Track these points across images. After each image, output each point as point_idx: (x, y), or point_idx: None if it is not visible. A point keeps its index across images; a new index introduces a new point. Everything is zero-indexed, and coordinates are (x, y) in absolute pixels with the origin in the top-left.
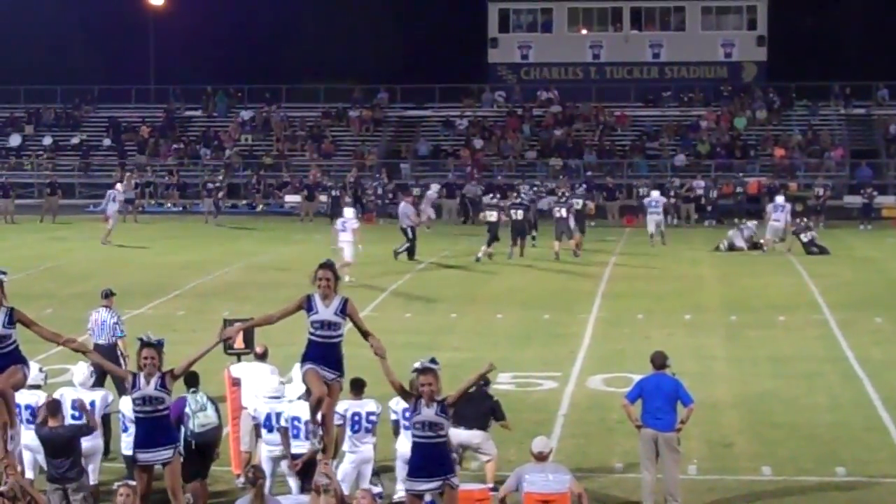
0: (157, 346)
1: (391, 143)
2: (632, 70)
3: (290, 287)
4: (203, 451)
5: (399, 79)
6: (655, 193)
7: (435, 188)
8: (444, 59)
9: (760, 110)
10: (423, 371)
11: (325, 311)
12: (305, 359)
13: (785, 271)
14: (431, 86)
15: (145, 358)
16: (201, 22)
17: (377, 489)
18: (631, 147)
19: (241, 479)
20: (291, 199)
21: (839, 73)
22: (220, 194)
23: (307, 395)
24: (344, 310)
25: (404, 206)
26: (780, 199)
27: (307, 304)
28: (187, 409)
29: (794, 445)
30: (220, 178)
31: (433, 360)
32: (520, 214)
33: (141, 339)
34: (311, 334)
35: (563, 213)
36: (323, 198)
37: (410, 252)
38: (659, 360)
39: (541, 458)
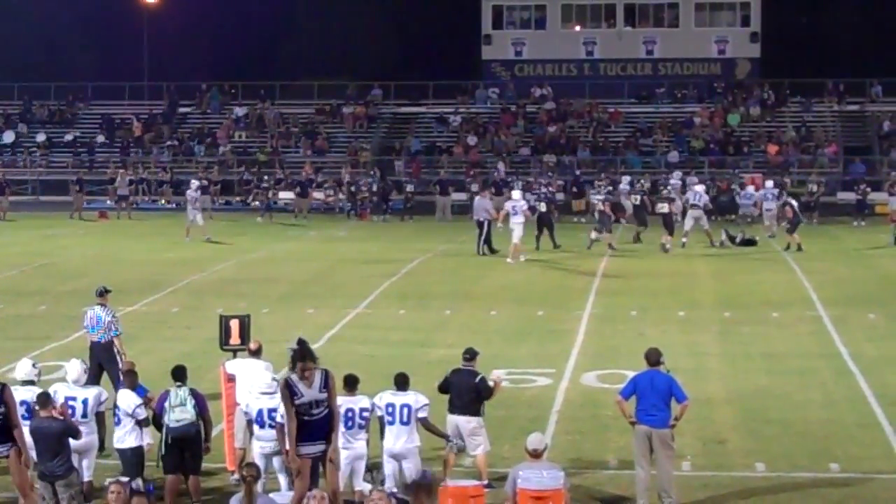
0: (147, 494)
1: (385, 140)
2: (625, 66)
3: (284, 283)
4: (181, 446)
5: (393, 75)
6: (700, 188)
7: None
8: (437, 56)
9: (754, 107)
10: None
11: (310, 392)
12: (300, 440)
13: (779, 268)
14: (425, 82)
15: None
16: (195, 18)
17: (369, 486)
18: (624, 143)
19: (236, 476)
20: (285, 195)
21: (833, 70)
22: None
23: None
24: (327, 384)
25: (480, 200)
26: (698, 187)
27: (290, 391)
28: (166, 404)
29: (787, 442)
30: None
31: (425, 474)
32: (543, 207)
33: (131, 487)
34: (301, 415)
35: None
36: (317, 194)
37: (488, 244)
38: (653, 357)
39: (535, 455)
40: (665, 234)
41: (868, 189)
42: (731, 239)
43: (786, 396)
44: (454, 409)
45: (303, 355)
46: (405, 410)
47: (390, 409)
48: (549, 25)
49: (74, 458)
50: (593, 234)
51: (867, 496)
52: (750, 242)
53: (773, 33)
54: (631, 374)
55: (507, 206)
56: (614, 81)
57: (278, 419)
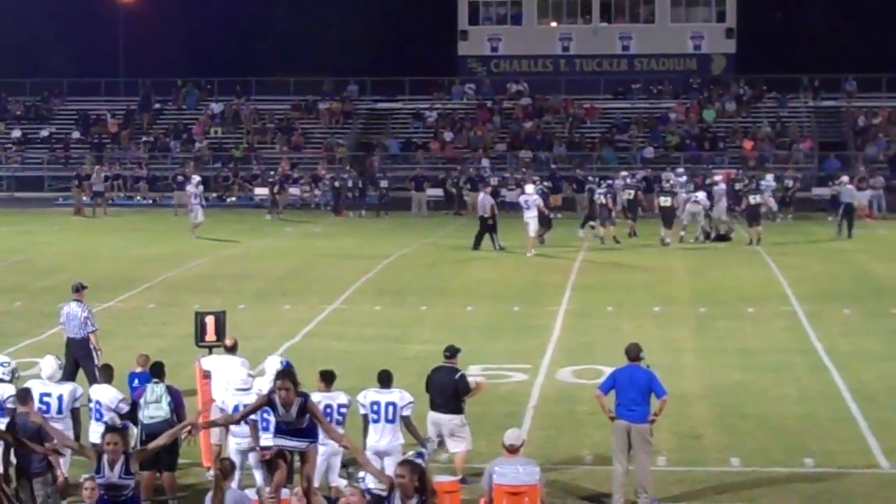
0: (122, 430)
1: (361, 136)
2: (601, 62)
3: (260, 279)
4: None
5: (369, 71)
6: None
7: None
8: (414, 52)
9: (729, 102)
10: (400, 463)
11: (287, 415)
12: (276, 432)
13: (754, 263)
14: (401, 78)
15: (109, 444)
16: (171, 14)
17: (345, 482)
18: (600, 139)
19: (211, 472)
20: (261, 191)
21: (808, 66)
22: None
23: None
24: (304, 412)
25: (484, 197)
26: (529, 188)
27: (270, 405)
28: (142, 400)
29: (762, 437)
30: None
31: (420, 454)
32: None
33: (106, 424)
34: (279, 423)
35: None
36: (293, 190)
37: (492, 238)
38: (633, 352)
39: (512, 450)
40: (664, 228)
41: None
42: (706, 235)
43: (761, 392)
44: (435, 406)
45: (283, 374)
46: (390, 408)
47: (375, 407)
48: (525, 21)
49: None
50: (600, 231)
51: (842, 491)
52: (724, 238)
53: (749, 29)
54: (606, 369)
55: (521, 199)
56: (590, 77)
57: (252, 416)
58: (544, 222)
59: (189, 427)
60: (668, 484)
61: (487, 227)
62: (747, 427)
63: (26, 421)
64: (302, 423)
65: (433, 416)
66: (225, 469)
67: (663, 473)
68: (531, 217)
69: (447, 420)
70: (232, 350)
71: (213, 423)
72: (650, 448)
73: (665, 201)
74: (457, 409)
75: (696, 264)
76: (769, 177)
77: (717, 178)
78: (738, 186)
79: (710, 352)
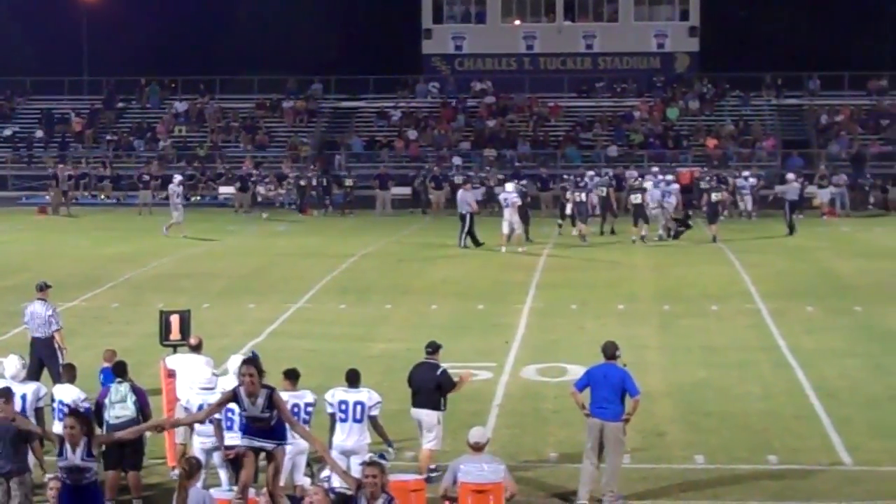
0: (82, 414)
1: (325, 135)
2: (565, 61)
3: (224, 278)
4: (121, 442)
5: (333, 70)
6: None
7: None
8: (378, 51)
9: (693, 101)
10: (368, 464)
11: (253, 409)
12: (245, 431)
13: (717, 260)
14: (366, 77)
15: (67, 426)
16: (134, 13)
17: (309, 480)
18: (564, 137)
19: (177, 472)
20: (225, 190)
21: (771, 64)
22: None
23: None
24: (270, 405)
25: (464, 194)
26: (509, 186)
27: (235, 399)
28: (107, 400)
29: (726, 434)
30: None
31: (383, 455)
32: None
33: (68, 406)
34: (245, 420)
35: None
36: (260, 188)
37: (472, 237)
38: (609, 350)
39: (477, 448)
40: (635, 226)
41: (805, 182)
42: (668, 232)
43: (725, 389)
44: (417, 402)
45: (247, 361)
46: (358, 407)
47: (343, 406)
48: (490, 20)
49: None
50: (580, 228)
51: (805, 488)
52: (683, 223)
53: (712, 27)
54: (571, 367)
55: (501, 197)
56: (554, 76)
57: (216, 414)
58: (525, 219)
59: (155, 426)
60: (632, 481)
61: (465, 222)
62: (711, 424)
63: (7, 422)
64: (270, 419)
65: (414, 411)
66: (190, 468)
67: (627, 471)
68: (510, 215)
69: (425, 415)
70: (196, 349)
71: (178, 423)
72: (622, 447)
73: (636, 199)
74: (436, 405)
75: (660, 262)
76: (746, 173)
77: (670, 177)
78: (701, 185)
79: (674, 349)
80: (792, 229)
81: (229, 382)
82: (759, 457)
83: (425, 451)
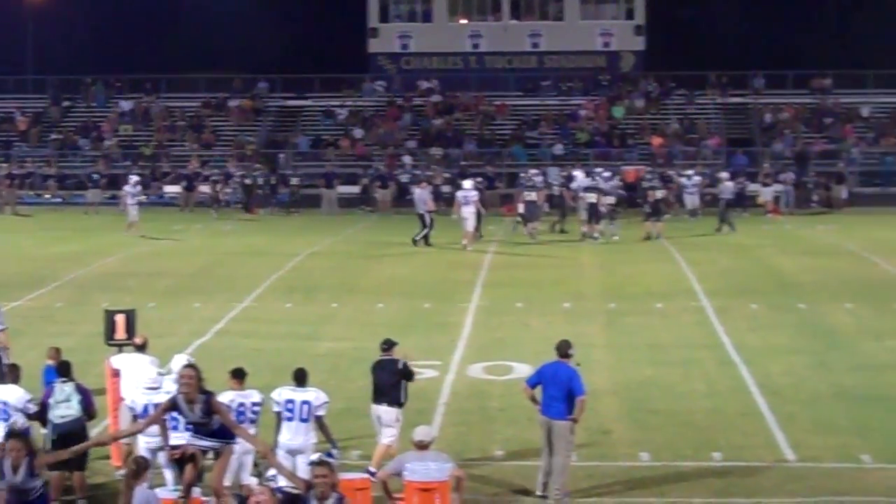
0: (23, 435)
1: (271, 133)
2: (511, 59)
3: (170, 277)
4: (65, 442)
5: (279, 69)
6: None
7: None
8: (324, 49)
9: (638, 99)
10: (318, 464)
11: (192, 415)
12: (189, 431)
13: (663, 258)
14: (312, 76)
15: (11, 450)
16: (79, 11)
17: (256, 480)
18: (510, 136)
19: (122, 471)
20: (171, 189)
21: (716, 63)
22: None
23: None
24: (209, 410)
25: (420, 193)
26: (468, 183)
27: (175, 408)
28: (51, 400)
29: (671, 431)
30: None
31: (330, 454)
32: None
33: (8, 429)
34: (188, 426)
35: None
36: (204, 188)
37: (426, 238)
38: (562, 349)
39: (421, 446)
40: (587, 223)
41: (746, 181)
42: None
43: (670, 387)
44: (377, 398)
45: (186, 365)
46: (305, 407)
47: (290, 405)
48: (436, 18)
49: None
50: (529, 227)
51: (749, 484)
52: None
53: (657, 26)
54: (516, 365)
55: (459, 195)
56: (500, 74)
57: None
58: (478, 217)
59: (98, 444)
60: (577, 479)
61: (424, 221)
62: (656, 422)
63: None
64: (211, 424)
65: (374, 408)
66: (137, 467)
67: (573, 468)
68: (469, 213)
69: (384, 412)
70: (142, 348)
71: (119, 436)
72: (568, 446)
73: (591, 197)
74: (395, 402)
75: (606, 260)
76: (690, 171)
77: (607, 173)
78: (643, 183)
79: (620, 347)
80: (723, 226)
81: (174, 382)
82: (703, 454)
83: (382, 447)
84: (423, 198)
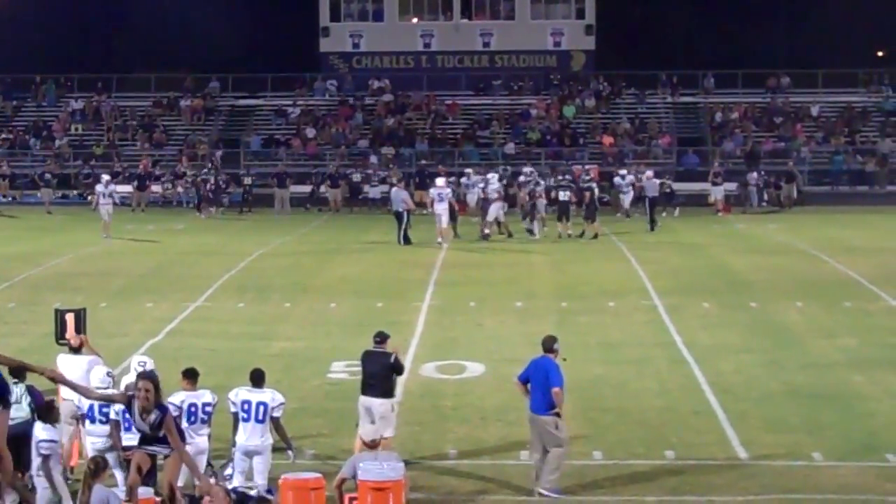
0: None
1: (223, 133)
2: (462, 59)
3: (122, 277)
4: (16, 444)
5: (231, 68)
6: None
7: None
8: (275, 49)
9: (589, 99)
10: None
11: (142, 424)
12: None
13: (614, 257)
14: (263, 75)
15: None
16: (29, 9)
17: (212, 480)
18: (462, 135)
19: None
20: (122, 189)
21: (666, 62)
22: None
23: None
24: (160, 426)
25: (397, 191)
26: (440, 181)
27: (128, 406)
28: None
29: (624, 430)
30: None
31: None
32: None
33: None
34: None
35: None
36: (155, 188)
37: (405, 235)
38: (546, 344)
39: (373, 445)
40: (560, 223)
41: (671, 181)
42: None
43: (622, 385)
44: (367, 390)
45: (144, 375)
46: (261, 408)
47: (246, 406)
48: (387, 18)
49: None
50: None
51: (702, 482)
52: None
53: (608, 26)
54: (469, 364)
55: (433, 192)
56: (451, 73)
57: (112, 415)
58: (453, 216)
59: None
60: (530, 478)
61: (401, 220)
62: (609, 420)
63: None
64: (157, 434)
65: (364, 399)
66: (96, 466)
67: (525, 466)
68: (443, 210)
69: (378, 404)
70: (77, 350)
71: (64, 380)
72: (554, 440)
73: (564, 196)
74: (388, 393)
75: (558, 259)
76: (623, 171)
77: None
78: (552, 181)
79: (572, 346)
80: (653, 225)
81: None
82: (656, 452)
83: (390, 439)
84: (401, 196)
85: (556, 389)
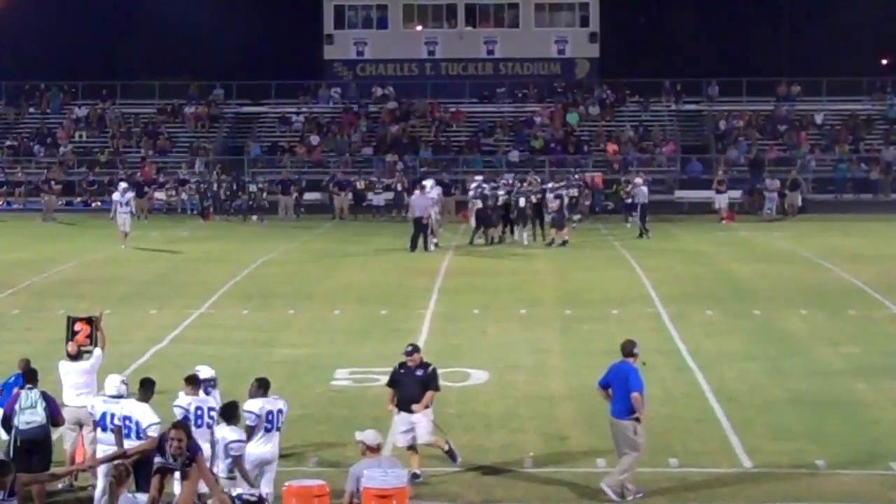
0: (6, 462)
1: (227, 140)
2: (466, 66)
3: (126, 284)
4: (29, 449)
5: (235, 75)
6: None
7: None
8: (280, 56)
9: (593, 106)
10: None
11: (173, 464)
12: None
13: (618, 265)
14: (267, 82)
15: None
16: (34, 17)
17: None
18: (466, 143)
19: (66, 483)
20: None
21: (670, 70)
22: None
23: None
24: (190, 464)
25: (417, 197)
26: (428, 183)
27: (160, 450)
28: (17, 406)
29: None
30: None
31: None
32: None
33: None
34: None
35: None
36: (159, 195)
37: (414, 242)
38: (626, 348)
39: (373, 450)
40: (554, 229)
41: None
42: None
43: None
44: (405, 400)
45: (178, 425)
46: (280, 416)
47: (269, 416)
48: (391, 25)
49: None
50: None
51: (705, 490)
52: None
53: (612, 33)
54: (473, 371)
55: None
56: (456, 81)
57: (115, 422)
58: (487, 222)
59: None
60: (535, 486)
61: (422, 227)
62: None
63: None
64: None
65: (405, 417)
66: (120, 475)
67: (530, 475)
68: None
69: (417, 419)
70: (75, 358)
71: (95, 464)
72: (630, 444)
73: (522, 202)
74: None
75: (562, 267)
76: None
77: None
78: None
79: (576, 353)
80: (643, 232)
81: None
82: (659, 460)
83: (435, 440)
84: (422, 203)
85: (635, 394)
